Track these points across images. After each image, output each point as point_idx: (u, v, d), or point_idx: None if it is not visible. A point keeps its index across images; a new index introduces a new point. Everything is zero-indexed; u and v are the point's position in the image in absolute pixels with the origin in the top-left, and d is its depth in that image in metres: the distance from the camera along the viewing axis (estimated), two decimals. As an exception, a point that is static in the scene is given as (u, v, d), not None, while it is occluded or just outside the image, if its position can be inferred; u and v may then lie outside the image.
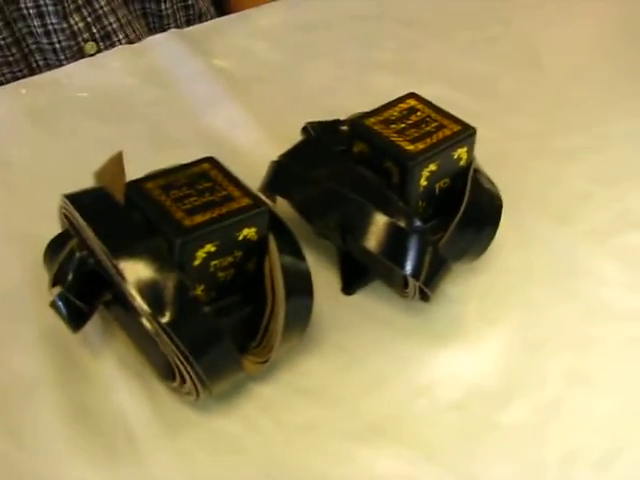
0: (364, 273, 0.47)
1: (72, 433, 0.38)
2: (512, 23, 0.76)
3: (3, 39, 0.77)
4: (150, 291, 0.35)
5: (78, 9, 0.78)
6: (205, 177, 0.40)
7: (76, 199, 0.39)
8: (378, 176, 0.44)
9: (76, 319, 0.39)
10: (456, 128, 0.45)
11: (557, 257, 0.50)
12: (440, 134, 0.44)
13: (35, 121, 0.59)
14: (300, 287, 0.40)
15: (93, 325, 0.42)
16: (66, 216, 0.40)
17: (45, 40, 0.78)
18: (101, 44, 0.80)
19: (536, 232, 0.52)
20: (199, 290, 0.39)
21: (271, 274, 0.39)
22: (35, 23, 0.76)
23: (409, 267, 0.42)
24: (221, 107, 0.62)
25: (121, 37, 0.81)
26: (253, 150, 0.57)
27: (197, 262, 0.37)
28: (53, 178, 0.53)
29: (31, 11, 0.76)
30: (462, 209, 0.44)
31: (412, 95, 0.48)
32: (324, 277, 0.46)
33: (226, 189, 0.39)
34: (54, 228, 0.42)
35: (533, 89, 0.67)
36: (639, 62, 0.71)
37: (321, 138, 0.48)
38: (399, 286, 0.45)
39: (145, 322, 0.36)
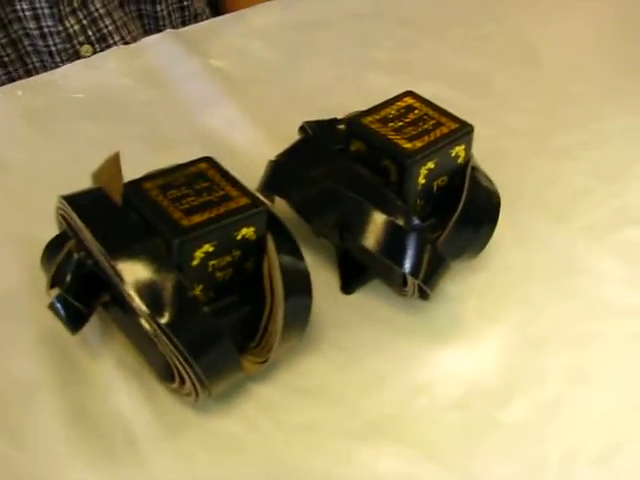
0: (363, 272, 0.47)
1: (72, 435, 0.38)
2: (507, 20, 0.76)
3: (-1, 40, 0.77)
4: (149, 292, 0.35)
5: (74, 12, 0.78)
6: (203, 177, 0.40)
7: (73, 200, 0.39)
8: (376, 175, 0.44)
9: (75, 321, 0.39)
10: (454, 126, 0.45)
11: (556, 254, 0.50)
12: (438, 132, 0.44)
13: (31, 122, 0.59)
14: (299, 287, 0.40)
15: (91, 327, 0.42)
16: (63, 217, 0.40)
17: (41, 42, 0.78)
18: (97, 46, 0.80)
19: (534, 229, 0.52)
20: (197, 290, 0.38)
21: (270, 274, 0.39)
22: (31, 25, 0.76)
23: (408, 265, 0.42)
24: (218, 107, 0.62)
25: (117, 39, 0.81)
26: (250, 150, 0.56)
27: (195, 262, 0.37)
28: (49, 179, 0.53)
29: (27, 13, 0.76)
30: (460, 207, 0.44)
31: (409, 93, 0.48)
32: (323, 276, 0.46)
33: (224, 189, 0.39)
34: (51, 230, 0.42)
35: (529, 86, 0.67)
36: (636, 58, 0.71)
37: (318, 137, 0.48)
38: (398, 285, 0.45)
39: (144, 323, 0.36)
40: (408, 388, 0.42)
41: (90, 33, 0.79)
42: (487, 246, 0.47)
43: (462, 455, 0.39)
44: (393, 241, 0.42)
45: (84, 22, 0.79)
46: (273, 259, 0.39)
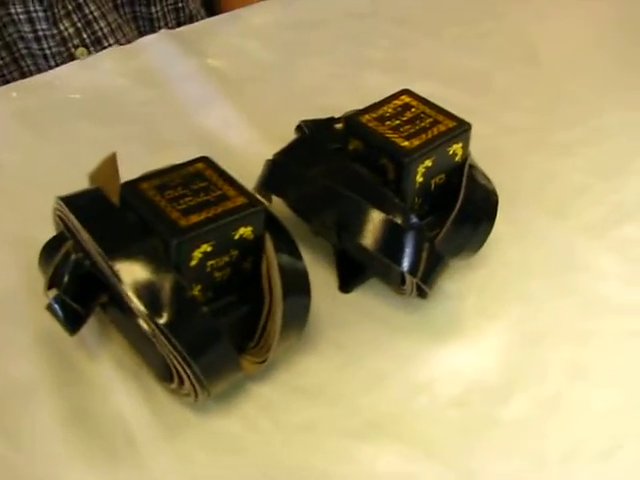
0: (361, 271, 0.47)
1: (70, 436, 0.38)
2: (504, 18, 0.76)
3: (-7, 43, 0.77)
4: (147, 292, 0.35)
5: (68, 15, 0.78)
6: (200, 177, 0.40)
7: (71, 201, 0.39)
8: (374, 173, 0.44)
9: (73, 322, 0.39)
10: (451, 124, 0.45)
11: (554, 251, 0.50)
12: (435, 130, 0.44)
13: (27, 124, 0.59)
14: (297, 286, 0.40)
15: (89, 328, 0.41)
16: (61, 218, 0.40)
17: (35, 46, 0.77)
18: (92, 49, 0.80)
19: (532, 226, 0.52)
20: (196, 290, 0.38)
21: (268, 273, 0.39)
22: (25, 29, 0.76)
23: (406, 264, 0.42)
24: (214, 107, 0.62)
25: (112, 42, 0.81)
26: (247, 150, 0.56)
27: (193, 262, 0.37)
28: (46, 181, 0.53)
29: (21, 17, 0.75)
30: (458, 205, 0.44)
31: (406, 91, 0.47)
32: (321, 276, 0.46)
33: (221, 188, 0.39)
34: (48, 231, 0.41)
35: (527, 84, 0.67)
36: (633, 54, 0.72)
37: (315, 136, 0.48)
38: (396, 283, 0.45)
39: (142, 323, 0.36)
40: (407, 386, 0.42)
41: (85, 36, 0.79)
42: (485, 243, 0.47)
43: (462, 453, 0.39)
44: (391, 239, 0.42)
45: (79, 25, 0.78)
46: (271, 259, 0.39)
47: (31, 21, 0.76)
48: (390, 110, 0.46)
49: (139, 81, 0.64)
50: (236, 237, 0.38)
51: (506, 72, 0.68)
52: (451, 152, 0.45)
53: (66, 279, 0.38)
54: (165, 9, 0.86)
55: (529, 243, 0.50)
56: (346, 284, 0.47)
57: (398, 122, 0.45)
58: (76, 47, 0.79)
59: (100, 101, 0.62)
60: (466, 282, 0.47)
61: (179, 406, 0.40)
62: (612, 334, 0.45)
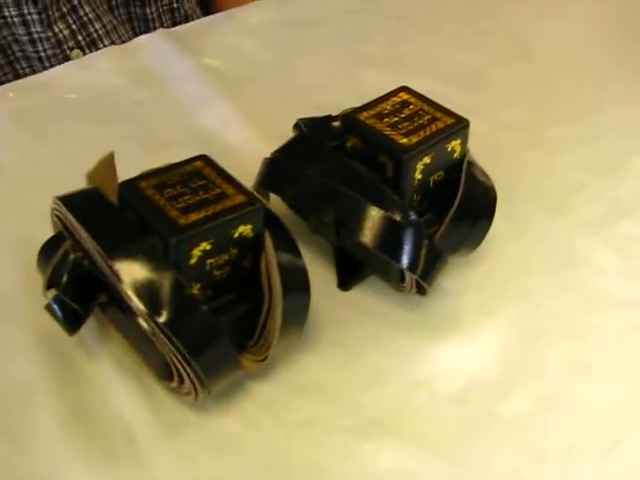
0: (360, 268, 0.47)
1: (71, 436, 0.38)
2: (501, 15, 0.76)
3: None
4: (146, 291, 0.35)
5: (63, 17, 0.77)
6: (198, 175, 0.40)
7: (69, 200, 0.39)
8: (372, 170, 0.44)
9: (72, 322, 0.39)
10: (449, 121, 0.45)
11: (552, 247, 0.50)
12: (433, 127, 0.44)
13: (23, 124, 0.59)
14: (297, 284, 0.40)
15: (88, 327, 0.41)
16: (59, 218, 0.40)
17: (30, 48, 0.77)
18: (87, 51, 0.79)
19: (531, 223, 0.52)
20: (195, 289, 0.38)
21: (267, 271, 0.39)
22: (20, 31, 0.76)
23: (405, 261, 0.42)
24: (212, 106, 0.61)
25: (107, 43, 0.80)
26: (245, 148, 0.56)
27: (193, 261, 0.37)
28: (43, 181, 0.53)
29: (15, 19, 0.75)
30: (457, 202, 0.44)
31: (404, 88, 0.47)
32: (320, 273, 0.46)
33: (220, 187, 0.39)
34: (45, 231, 0.41)
35: (523, 81, 0.67)
36: (629, 51, 0.72)
37: (314, 134, 0.48)
38: (395, 280, 0.45)
39: (142, 322, 0.36)
40: (407, 383, 0.42)
41: (80, 38, 0.79)
42: (484, 240, 0.47)
43: (462, 449, 0.39)
44: (390, 237, 0.42)
45: (73, 27, 0.78)
46: (271, 257, 0.39)
47: (25, 24, 0.75)
48: (388, 107, 0.46)
49: (135, 81, 0.64)
50: (235, 235, 0.38)
51: (503, 69, 0.68)
52: (449, 149, 0.45)
53: (65, 279, 0.38)
54: (160, 10, 0.86)
55: (527, 240, 0.51)
56: (345, 282, 0.47)
57: (396, 119, 0.45)
58: (71, 49, 0.79)
59: (97, 101, 0.62)
60: (465, 279, 0.47)
61: (179, 405, 0.40)
62: (612, 329, 0.45)
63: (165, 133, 0.59)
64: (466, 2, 0.78)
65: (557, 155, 0.58)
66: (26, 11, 0.75)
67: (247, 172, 0.46)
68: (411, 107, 0.46)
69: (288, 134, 0.49)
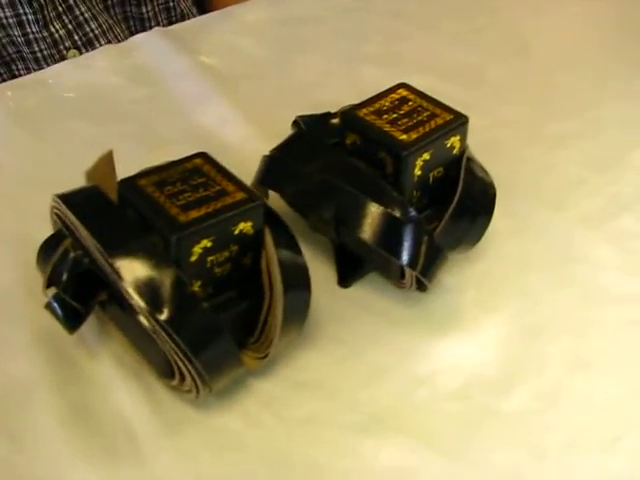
0: (360, 265, 0.47)
1: (71, 435, 0.38)
2: (498, 12, 0.76)
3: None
4: (147, 289, 0.35)
5: (59, 17, 0.77)
6: (198, 172, 0.40)
7: (68, 199, 0.39)
8: (372, 167, 0.44)
9: (72, 320, 0.39)
10: (448, 117, 0.45)
11: (552, 243, 0.50)
12: (432, 123, 0.44)
13: (21, 123, 0.59)
14: (298, 281, 0.39)
15: (88, 326, 0.41)
16: (58, 216, 0.40)
17: (27, 49, 0.77)
18: (83, 51, 0.79)
19: (530, 219, 0.52)
20: (196, 286, 0.38)
21: (268, 269, 0.39)
22: (16, 32, 0.76)
23: (405, 257, 0.42)
24: (209, 104, 0.61)
25: (103, 43, 0.80)
26: (243, 146, 0.56)
27: (194, 258, 0.37)
28: (41, 179, 0.53)
29: (10, 20, 0.75)
30: (456, 198, 0.44)
31: (403, 85, 0.47)
32: (320, 270, 0.46)
33: (220, 184, 0.39)
34: (44, 229, 0.41)
35: (522, 77, 0.67)
36: (627, 46, 0.72)
37: (312, 131, 0.48)
38: (396, 277, 0.45)
39: (143, 320, 0.36)
40: (408, 380, 0.42)
41: (76, 38, 0.79)
42: (483, 237, 0.47)
43: (463, 445, 0.39)
44: (390, 233, 0.42)
45: (70, 27, 0.78)
46: (271, 254, 0.39)
47: (21, 24, 0.75)
48: (387, 104, 0.46)
49: (133, 79, 0.64)
50: (236, 232, 0.38)
51: (501, 66, 0.67)
52: (449, 145, 0.45)
53: (65, 277, 0.38)
54: (156, 9, 0.86)
55: (527, 235, 0.50)
56: (345, 279, 0.47)
57: (395, 115, 0.45)
58: (68, 49, 0.79)
59: (94, 99, 0.62)
60: (465, 275, 0.47)
61: (180, 403, 0.40)
62: (612, 324, 0.45)
63: (163, 131, 0.59)
64: (463, -1, 0.78)
65: (556, 150, 0.58)
66: (22, 11, 0.74)
67: (246, 170, 0.45)
68: (410, 104, 0.46)
69: (286, 132, 0.49)
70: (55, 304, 0.38)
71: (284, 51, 0.69)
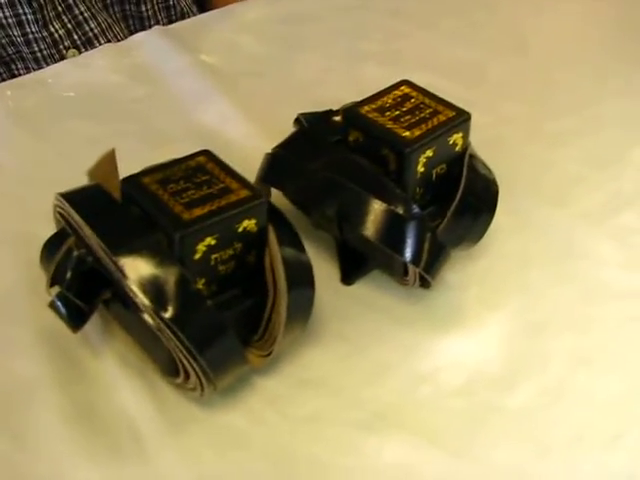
0: (363, 263, 0.47)
1: (75, 434, 0.38)
2: (498, 9, 0.76)
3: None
4: (152, 287, 0.35)
5: (58, 16, 0.77)
6: (202, 170, 0.40)
7: (72, 197, 0.39)
8: (375, 164, 0.44)
9: (76, 319, 0.39)
10: (451, 114, 0.45)
11: (554, 240, 0.50)
12: (435, 120, 0.44)
13: (22, 122, 0.59)
14: (301, 278, 0.39)
15: (92, 325, 0.41)
16: (62, 215, 0.40)
17: (26, 49, 0.77)
18: (83, 50, 0.79)
19: (532, 216, 0.52)
20: (200, 284, 0.38)
21: (272, 266, 0.39)
22: (15, 32, 0.75)
23: (409, 254, 0.42)
24: (210, 102, 0.61)
25: (103, 42, 0.80)
26: (244, 144, 0.56)
27: (198, 256, 0.37)
28: (43, 179, 0.53)
29: (10, 20, 0.75)
30: (459, 195, 0.44)
31: (405, 82, 0.47)
32: (323, 268, 0.46)
33: (224, 181, 0.39)
34: (47, 228, 0.41)
35: (522, 74, 0.67)
36: (627, 43, 0.72)
37: (315, 129, 0.48)
38: (399, 274, 0.45)
39: (147, 318, 0.36)
40: (411, 377, 0.42)
41: (76, 37, 0.79)
42: (486, 234, 0.47)
43: (466, 442, 0.39)
44: (393, 230, 0.42)
45: (69, 26, 0.78)
46: (275, 251, 0.39)
47: (21, 24, 0.75)
48: (390, 101, 0.46)
49: (133, 78, 0.64)
50: (240, 230, 0.38)
51: (501, 63, 0.68)
52: (451, 142, 0.45)
53: (69, 276, 0.38)
54: (156, 7, 0.86)
55: (529, 232, 0.51)
56: (348, 276, 0.47)
57: (398, 112, 0.45)
58: (67, 49, 0.78)
59: (94, 98, 0.62)
60: (467, 272, 0.47)
61: (184, 401, 0.40)
62: (614, 320, 0.45)
63: (164, 129, 0.58)
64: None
65: (557, 147, 0.58)
66: (21, 11, 0.74)
67: (248, 167, 0.45)
68: (412, 100, 0.46)
69: (287, 129, 0.49)
70: (59, 303, 0.38)
71: (284, 49, 0.69)
